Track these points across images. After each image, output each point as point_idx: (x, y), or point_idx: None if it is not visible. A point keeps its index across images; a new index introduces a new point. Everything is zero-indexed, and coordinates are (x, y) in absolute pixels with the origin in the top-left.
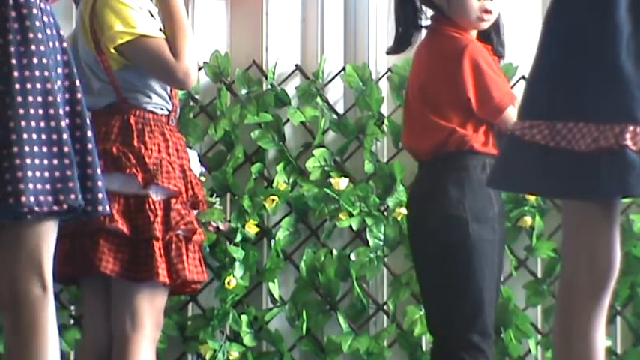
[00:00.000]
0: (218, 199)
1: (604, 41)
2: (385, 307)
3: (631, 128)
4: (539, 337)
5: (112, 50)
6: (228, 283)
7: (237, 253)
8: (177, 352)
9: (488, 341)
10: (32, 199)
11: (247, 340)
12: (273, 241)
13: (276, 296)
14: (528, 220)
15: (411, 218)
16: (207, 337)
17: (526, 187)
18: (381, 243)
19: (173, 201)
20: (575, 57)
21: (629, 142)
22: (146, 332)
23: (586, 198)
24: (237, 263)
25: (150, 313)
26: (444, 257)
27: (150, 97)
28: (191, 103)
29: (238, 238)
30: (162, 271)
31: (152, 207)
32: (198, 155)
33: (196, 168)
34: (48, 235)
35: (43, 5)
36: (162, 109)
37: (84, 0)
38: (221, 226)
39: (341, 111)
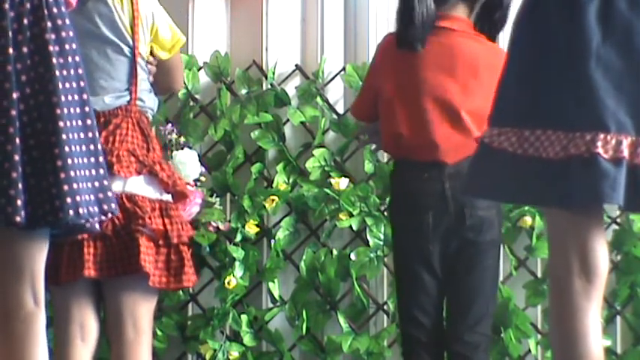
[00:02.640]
0: (218, 199)
1: (573, 49)
2: (385, 307)
3: (602, 136)
4: (539, 337)
5: (163, 58)
6: (228, 283)
7: (237, 253)
8: (178, 351)
9: None
10: (86, 210)
11: (247, 340)
12: (273, 241)
13: (276, 296)
14: (528, 220)
15: (434, 219)
16: (207, 337)
17: (497, 194)
18: (381, 243)
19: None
20: (543, 65)
21: (600, 150)
22: (147, 337)
23: (557, 206)
24: (237, 263)
25: (149, 318)
26: (479, 259)
27: (152, 102)
28: (191, 103)
29: (238, 238)
30: (192, 276)
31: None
32: (198, 155)
33: (196, 168)
34: (42, 249)
35: (69, 16)
36: (151, 110)
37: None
38: (221, 226)
39: (341, 111)
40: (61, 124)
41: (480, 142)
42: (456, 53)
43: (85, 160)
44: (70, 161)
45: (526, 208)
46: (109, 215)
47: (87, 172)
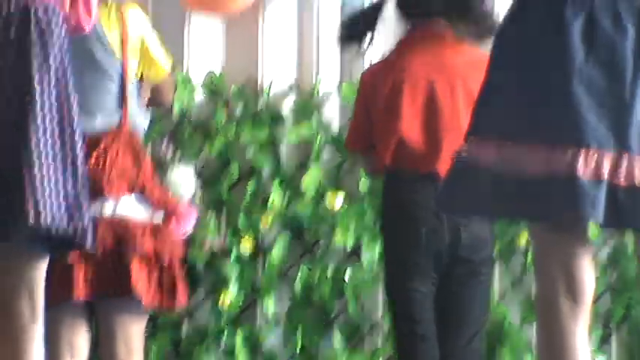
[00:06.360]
0: (213, 216)
1: (556, 66)
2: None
3: (583, 153)
4: (535, 353)
5: (155, 79)
6: (223, 301)
7: (232, 270)
8: None
9: None
10: (49, 219)
11: (242, 357)
12: (268, 259)
13: (271, 314)
14: (524, 237)
15: (427, 234)
16: (202, 354)
17: (473, 209)
18: (377, 260)
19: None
20: (525, 79)
21: (581, 168)
22: (139, 355)
23: (537, 222)
24: (231, 281)
25: (140, 337)
26: (473, 276)
27: (144, 120)
28: (187, 121)
29: (233, 255)
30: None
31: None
32: (194, 172)
33: (191, 185)
34: (41, 263)
35: (64, 27)
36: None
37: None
38: (216, 244)
39: (337, 129)
40: (30, 135)
41: (457, 154)
42: (445, 63)
43: (60, 170)
44: (37, 174)
45: (520, 225)
46: (78, 230)
47: (59, 183)
